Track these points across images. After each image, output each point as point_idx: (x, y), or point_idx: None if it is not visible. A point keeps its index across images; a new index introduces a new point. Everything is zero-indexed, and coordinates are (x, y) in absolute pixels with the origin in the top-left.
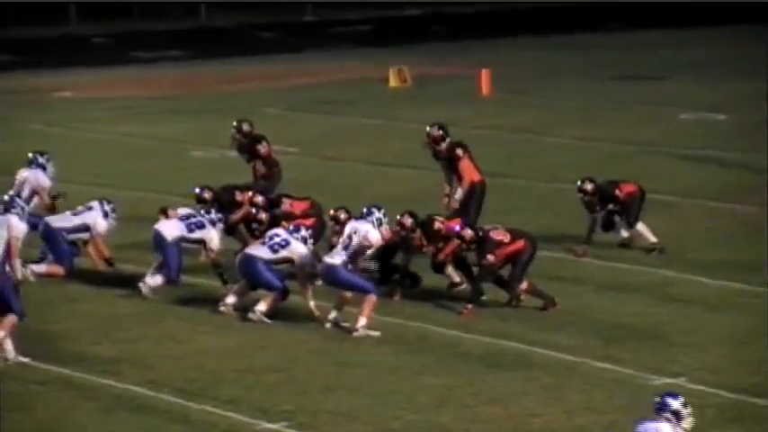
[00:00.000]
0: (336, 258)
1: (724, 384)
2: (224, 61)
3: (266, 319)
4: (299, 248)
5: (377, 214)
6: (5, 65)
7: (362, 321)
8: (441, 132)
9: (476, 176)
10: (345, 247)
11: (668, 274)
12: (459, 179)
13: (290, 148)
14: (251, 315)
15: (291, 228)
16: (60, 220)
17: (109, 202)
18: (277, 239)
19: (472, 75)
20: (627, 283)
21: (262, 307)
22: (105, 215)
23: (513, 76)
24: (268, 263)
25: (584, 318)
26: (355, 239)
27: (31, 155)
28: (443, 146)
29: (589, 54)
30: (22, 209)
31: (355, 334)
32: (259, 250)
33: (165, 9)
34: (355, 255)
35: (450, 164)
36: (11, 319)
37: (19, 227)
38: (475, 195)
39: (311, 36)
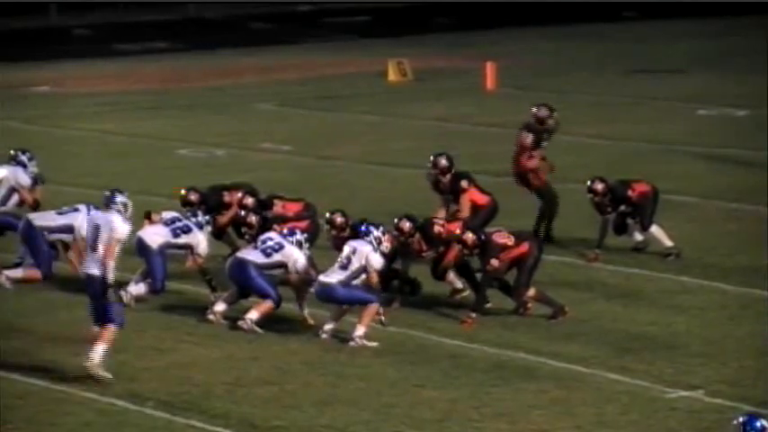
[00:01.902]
0: (333, 278)
1: (745, 397)
2: (213, 54)
3: (258, 329)
4: (293, 253)
5: (375, 233)
6: None
7: (360, 331)
8: (448, 163)
9: (482, 200)
10: (343, 267)
11: (685, 280)
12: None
13: (284, 146)
14: (241, 324)
15: (285, 231)
16: (43, 219)
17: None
18: (270, 243)
19: (477, 68)
20: (641, 289)
21: (253, 315)
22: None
23: (521, 69)
24: (261, 268)
25: (596, 327)
26: (355, 262)
27: (12, 152)
28: (448, 177)
29: (602, 46)
30: (125, 206)
31: (351, 344)
32: (251, 254)
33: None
34: (353, 278)
35: (454, 196)
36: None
37: (122, 228)
38: (480, 214)
39: (306, 27)
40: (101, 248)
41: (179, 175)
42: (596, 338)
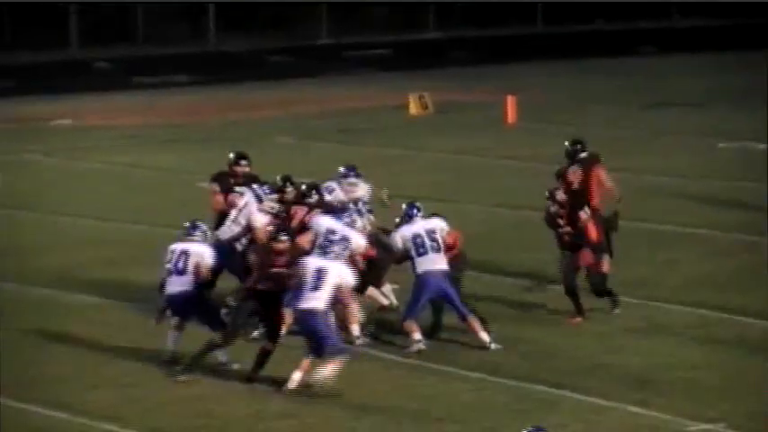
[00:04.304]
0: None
1: (766, 431)
2: (233, 87)
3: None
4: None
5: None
6: (1, 91)
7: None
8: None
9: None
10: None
11: (705, 313)
12: None
13: (304, 179)
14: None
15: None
16: None
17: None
18: (334, 237)
19: (497, 102)
20: (661, 322)
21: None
22: None
23: (541, 103)
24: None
25: (616, 359)
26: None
27: None
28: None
29: (621, 80)
30: (205, 234)
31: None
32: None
33: (170, 32)
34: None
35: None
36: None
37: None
38: None
39: (326, 60)
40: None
41: (199, 208)
42: (616, 371)
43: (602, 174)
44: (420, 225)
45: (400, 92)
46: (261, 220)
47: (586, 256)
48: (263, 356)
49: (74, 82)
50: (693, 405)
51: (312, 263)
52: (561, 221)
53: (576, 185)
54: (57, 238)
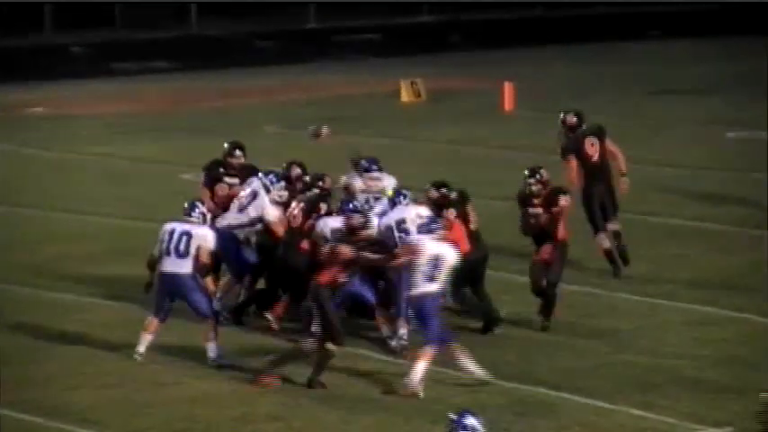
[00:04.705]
0: None
1: None
2: (217, 73)
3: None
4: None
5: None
6: None
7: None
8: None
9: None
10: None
11: (712, 311)
12: None
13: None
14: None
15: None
16: None
17: None
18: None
19: (494, 89)
20: (666, 320)
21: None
22: None
23: (540, 90)
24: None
25: (619, 360)
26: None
27: None
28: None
29: (624, 66)
30: (203, 215)
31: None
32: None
33: (151, 15)
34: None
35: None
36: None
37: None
38: None
39: (314, 45)
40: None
41: (182, 201)
42: (619, 372)
43: (612, 146)
44: (395, 214)
45: (391, 78)
46: (274, 213)
47: (546, 250)
48: (325, 359)
49: (48, 68)
50: (700, 407)
51: (431, 247)
52: (535, 201)
53: (596, 158)
54: (32, 233)
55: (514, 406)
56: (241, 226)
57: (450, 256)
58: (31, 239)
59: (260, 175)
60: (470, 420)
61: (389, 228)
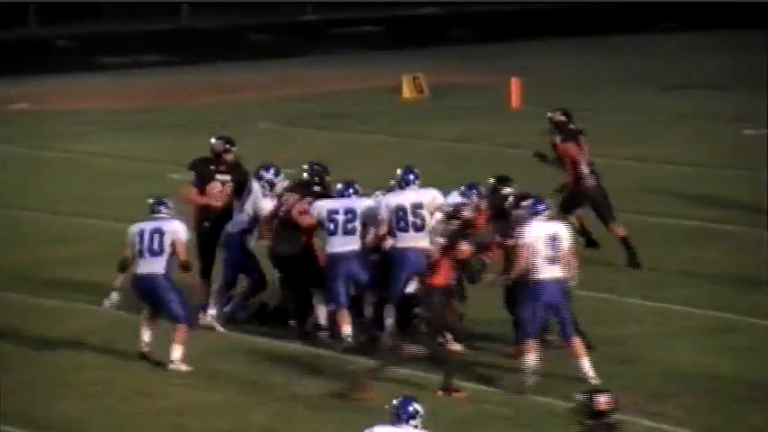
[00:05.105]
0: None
1: None
2: (209, 68)
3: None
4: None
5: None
6: None
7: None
8: None
9: None
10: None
11: (729, 316)
12: None
13: (287, 169)
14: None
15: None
16: None
17: None
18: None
19: (500, 84)
20: (680, 327)
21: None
22: None
23: (548, 85)
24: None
25: (632, 369)
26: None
27: None
28: None
29: (636, 59)
30: (171, 210)
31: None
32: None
33: (139, 8)
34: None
35: None
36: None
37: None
38: None
39: (311, 38)
40: None
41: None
42: (632, 382)
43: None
44: (407, 196)
45: (392, 73)
46: (267, 208)
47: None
48: (453, 362)
49: (32, 62)
50: (716, 419)
51: (544, 229)
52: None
53: (588, 157)
54: (14, 235)
55: (519, 416)
56: (247, 227)
57: (565, 232)
58: (11, 241)
59: (261, 170)
60: (414, 405)
61: (402, 208)
